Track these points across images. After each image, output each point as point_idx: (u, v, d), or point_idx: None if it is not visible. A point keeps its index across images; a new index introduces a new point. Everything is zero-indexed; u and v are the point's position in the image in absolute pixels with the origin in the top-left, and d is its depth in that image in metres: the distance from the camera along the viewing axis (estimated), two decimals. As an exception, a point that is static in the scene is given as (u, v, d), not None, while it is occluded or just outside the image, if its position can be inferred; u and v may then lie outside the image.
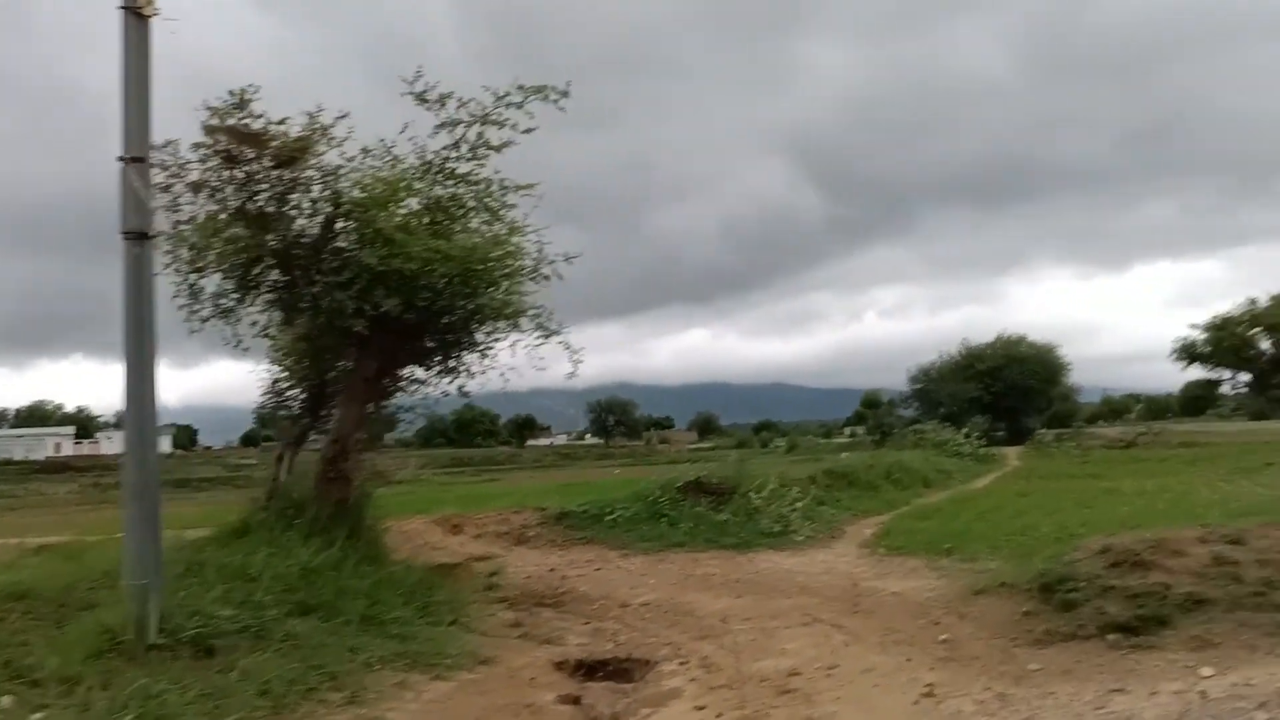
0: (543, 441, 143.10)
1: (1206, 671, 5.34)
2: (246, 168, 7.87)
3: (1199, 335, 63.05)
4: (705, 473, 14.77)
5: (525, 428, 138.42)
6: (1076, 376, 63.20)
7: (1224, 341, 61.13)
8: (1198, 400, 72.67)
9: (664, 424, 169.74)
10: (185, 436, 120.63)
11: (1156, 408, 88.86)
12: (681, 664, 7.30)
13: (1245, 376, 64.13)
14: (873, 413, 77.62)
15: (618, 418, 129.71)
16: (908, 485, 20.93)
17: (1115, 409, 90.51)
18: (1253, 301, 62.64)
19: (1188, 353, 63.54)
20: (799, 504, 13.98)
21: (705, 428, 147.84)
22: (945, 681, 5.86)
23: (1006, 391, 51.90)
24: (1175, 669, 5.50)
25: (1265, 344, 62.46)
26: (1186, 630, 5.86)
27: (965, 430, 32.62)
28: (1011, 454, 32.18)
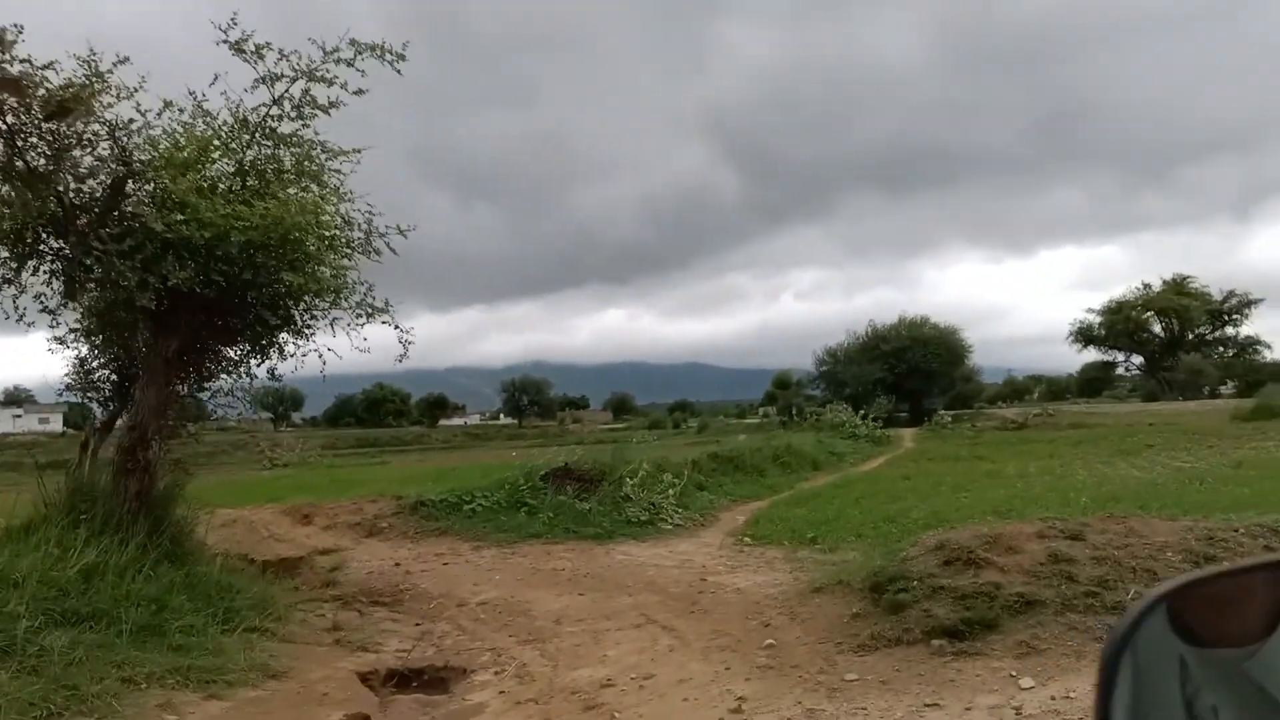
0: (455, 421, 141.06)
1: (1027, 683, 4.94)
2: (9, 119, 6.93)
3: (1095, 318, 65.23)
4: (576, 458, 14.15)
5: (437, 407, 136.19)
6: (983, 358, 64.57)
7: (1118, 325, 63.20)
8: (1094, 381, 74.67)
9: (579, 404, 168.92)
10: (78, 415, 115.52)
11: (1056, 389, 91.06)
12: (497, 673, 6.71)
13: (1138, 359, 66.53)
14: (783, 393, 78.15)
15: (531, 397, 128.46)
16: (795, 469, 20.68)
17: (1017, 390, 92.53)
18: (1146, 286, 64.91)
19: (1084, 335, 65.64)
20: (672, 490, 13.46)
21: (620, 408, 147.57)
22: (758, 694, 5.36)
23: (910, 373, 52.47)
24: (996, 679, 5.08)
25: (1157, 327, 64.81)
26: (1014, 635, 5.46)
27: (862, 412, 32.68)
28: (908, 435, 32.37)
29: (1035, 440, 27.63)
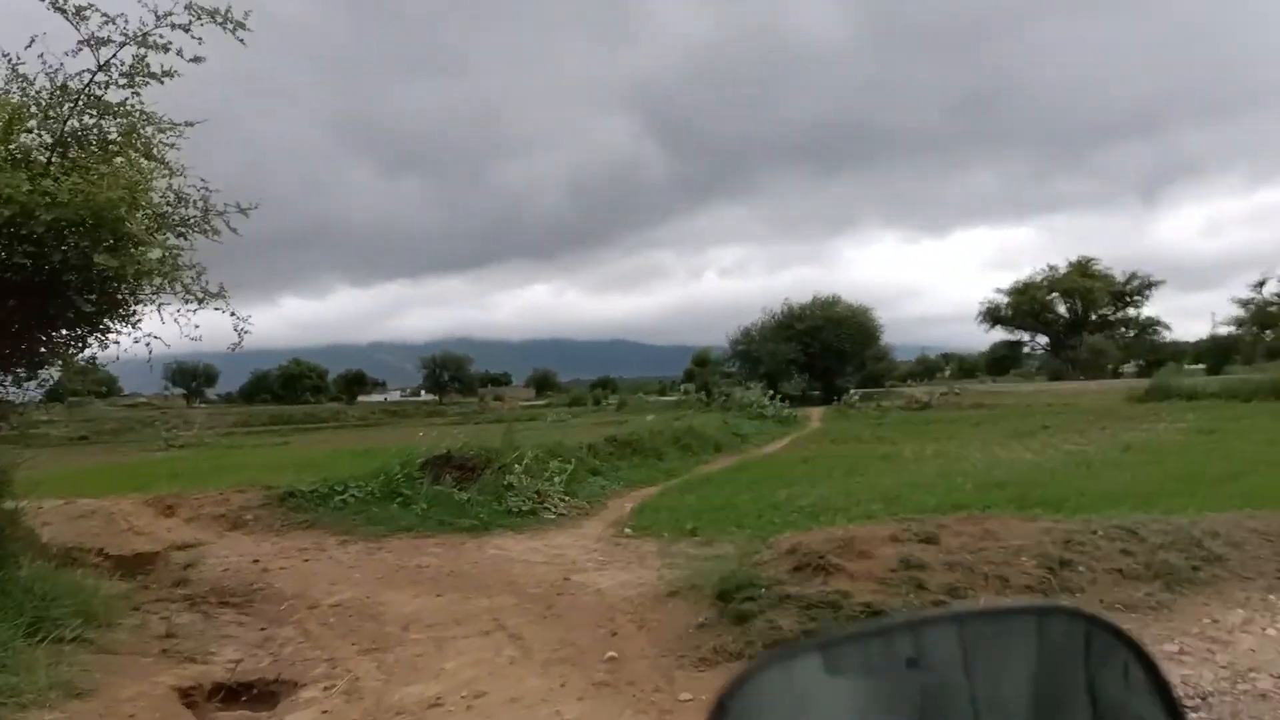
0: (375, 398, 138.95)
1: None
2: None
3: (1003, 299, 66.67)
4: (460, 444, 13.65)
5: (356, 384, 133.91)
6: (899, 336, 65.65)
7: (1024, 305, 64.70)
8: (1002, 360, 76.45)
9: (501, 380, 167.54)
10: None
11: (967, 367, 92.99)
12: (327, 688, 6.25)
13: (1044, 339, 68.25)
14: (701, 371, 78.39)
15: (452, 374, 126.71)
16: (696, 451, 20.46)
17: (929, 368, 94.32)
18: (1052, 268, 66.61)
19: (992, 315, 67.08)
20: (559, 478, 13.07)
21: (543, 384, 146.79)
22: (587, 715, 5.02)
23: (822, 352, 52.86)
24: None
25: (1062, 308, 66.50)
26: (856, 648, 5.19)
27: (770, 392, 32.71)
28: (816, 415, 32.50)
29: (938, 420, 27.94)
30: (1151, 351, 76.51)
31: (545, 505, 12.27)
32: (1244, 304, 62.40)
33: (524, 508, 11.87)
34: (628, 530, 10.83)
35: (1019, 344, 68.71)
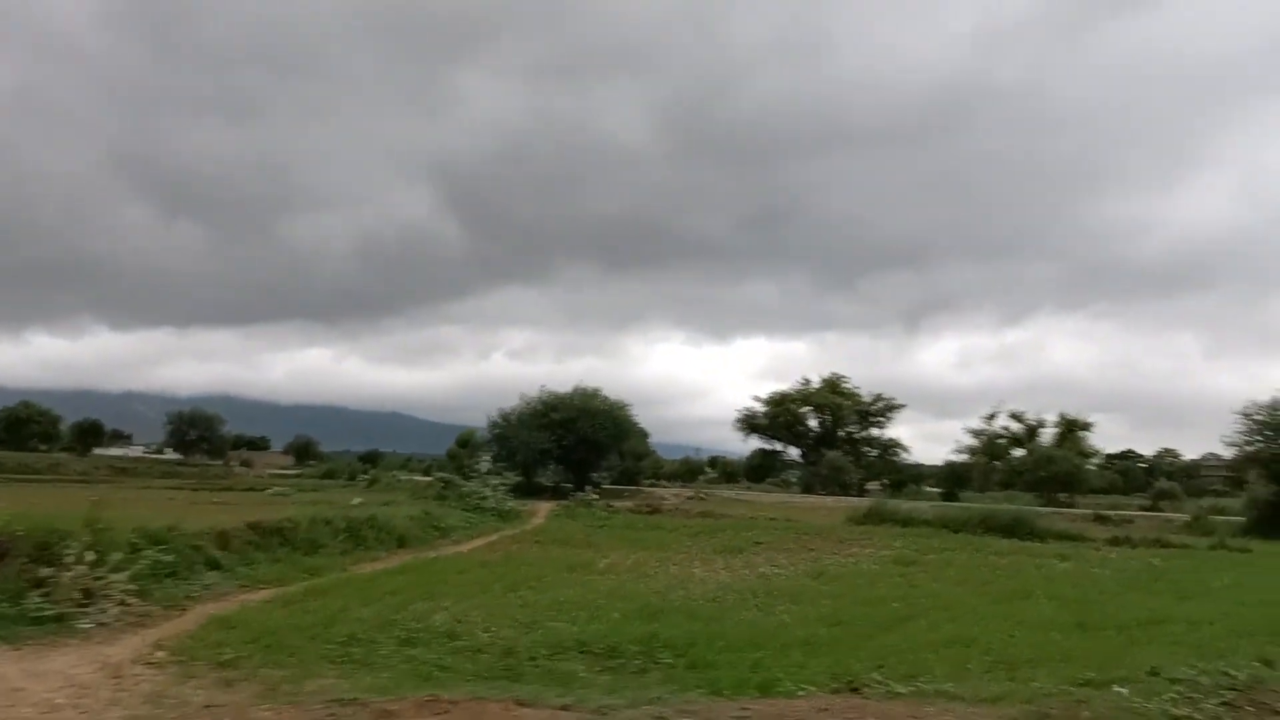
0: (114, 451, 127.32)
1: None
2: None
3: (760, 408, 68.24)
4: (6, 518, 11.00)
5: (91, 434, 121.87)
6: (681, 435, 65.83)
7: (779, 416, 66.41)
8: (761, 468, 77.88)
9: (259, 444, 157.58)
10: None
11: (730, 471, 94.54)
12: None
13: (796, 450, 70.18)
14: (462, 452, 75.64)
15: (201, 432, 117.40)
16: (371, 545, 18.31)
17: (692, 469, 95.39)
18: (806, 381, 68.82)
19: (748, 423, 68.41)
20: (122, 573, 10.67)
21: (303, 452, 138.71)
22: None
23: (578, 444, 51.72)
24: None
25: (814, 422, 68.74)
26: None
27: (496, 481, 30.94)
28: (543, 510, 30.86)
29: (661, 528, 26.97)
30: (895, 471, 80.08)
31: (91, 608, 9.86)
32: (976, 434, 66.37)
33: (48, 611, 9.43)
34: (161, 654, 8.64)
35: (776, 453, 70.32)
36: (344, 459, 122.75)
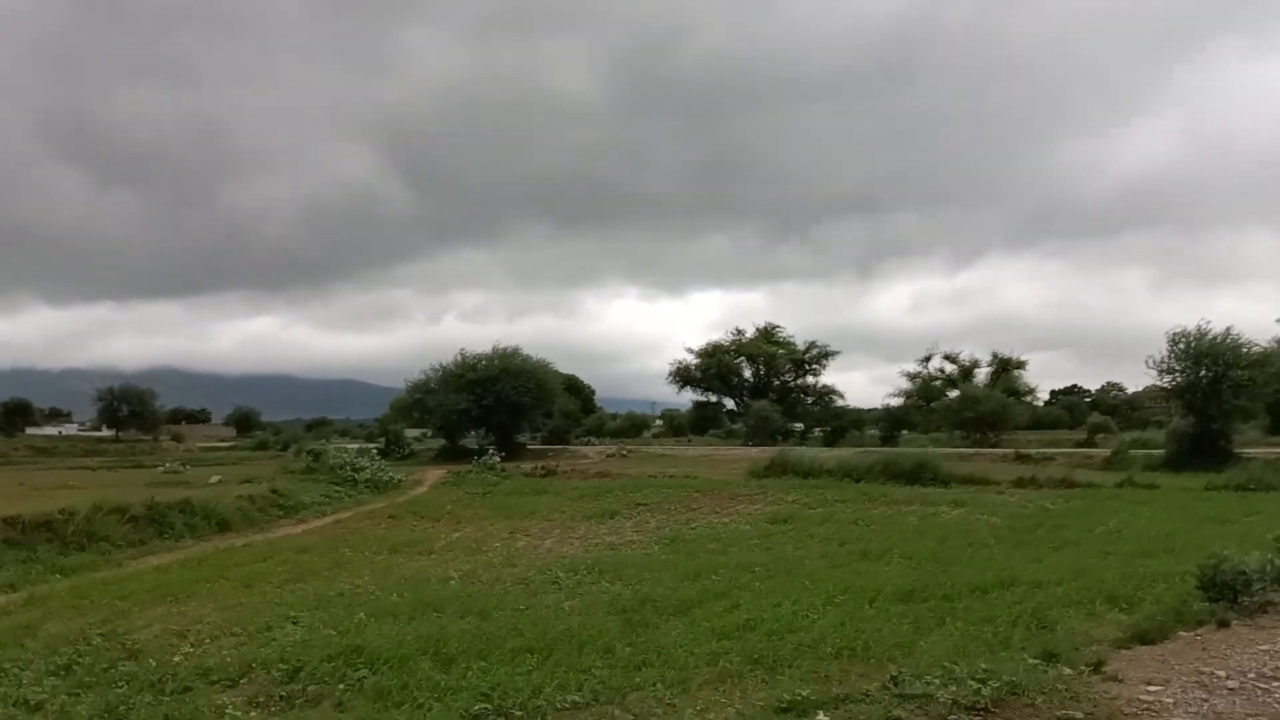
0: (49, 430, 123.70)
1: None
2: None
3: (693, 360, 66.55)
4: None
5: (18, 413, 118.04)
6: (639, 390, 64.23)
7: (711, 368, 64.80)
8: (702, 420, 76.44)
9: (198, 417, 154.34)
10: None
11: (678, 424, 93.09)
12: None
13: (730, 401, 68.81)
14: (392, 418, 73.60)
15: (133, 408, 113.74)
16: (180, 533, 16.50)
17: (635, 424, 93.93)
18: (739, 332, 67.23)
19: (682, 375, 66.69)
20: None
21: (244, 424, 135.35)
22: None
23: (497, 405, 49.85)
24: None
25: (748, 372, 67.31)
26: None
27: (374, 447, 29.13)
28: (431, 478, 29.09)
29: (547, 492, 25.30)
30: (836, 417, 79.06)
31: None
32: (912, 377, 65.40)
33: None
34: None
35: (718, 404, 68.87)
36: (292, 428, 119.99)
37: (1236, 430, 34.04)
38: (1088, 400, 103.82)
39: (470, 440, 54.10)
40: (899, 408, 65.66)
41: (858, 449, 38.39)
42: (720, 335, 66.39)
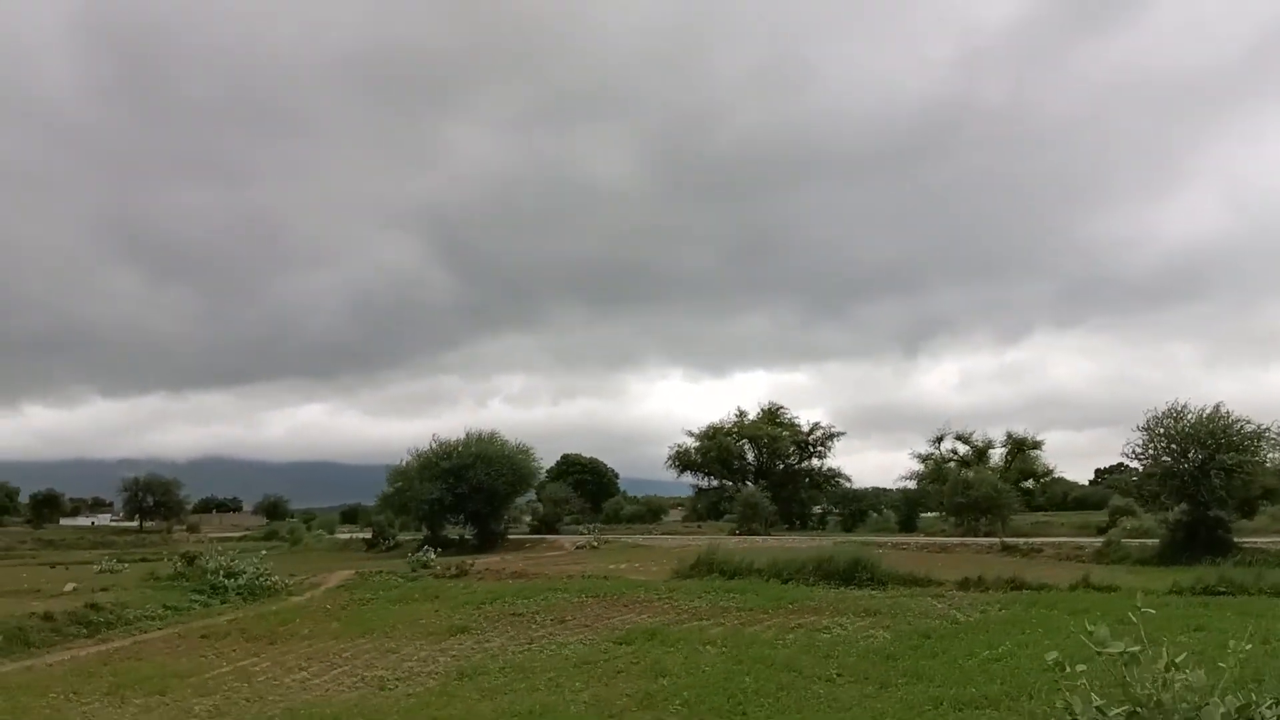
0: (81, 521, 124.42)
1: None
2: None
3: (693, 443, 64.03)
4: None
5: (48, 505, 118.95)
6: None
7: (711, 451, 62.16)
8: (716, 506, 73.51)
9: (229, 505, 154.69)
10: None
11: (701, 508, 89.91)
12: None
13: (732, 486, 65.86)
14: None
15: (157, 497, 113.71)
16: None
17: (654, 509, 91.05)
18: (742, 414, 64.65)
19: (681, 460, 64.15)
20: None
21: (273, 511, 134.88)
22: None
23: (473, 493, 47.82)
24: None
25: (751, 455, 64.60)
26: None
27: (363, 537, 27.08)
28: (337, 579, 26.88)
29: (438, 597, 22.93)
30: (853, 500, 75.69)
31: None
32: (924, 458, 62.23)
33: None
34: None
35: (719, 489, 66.04)
36: (326, 515, 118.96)
37: (1233, 518, 30.62)
38: (1133, 479, 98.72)
39: (452, 530, 52.11)
40: (915, 490, 62.40)
41: (851, 538, 35.63)
42: (721, 418, 63.72)
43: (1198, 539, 29.50)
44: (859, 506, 76.25)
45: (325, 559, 43.40)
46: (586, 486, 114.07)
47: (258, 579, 23.82)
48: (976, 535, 40.68)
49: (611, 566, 28.59)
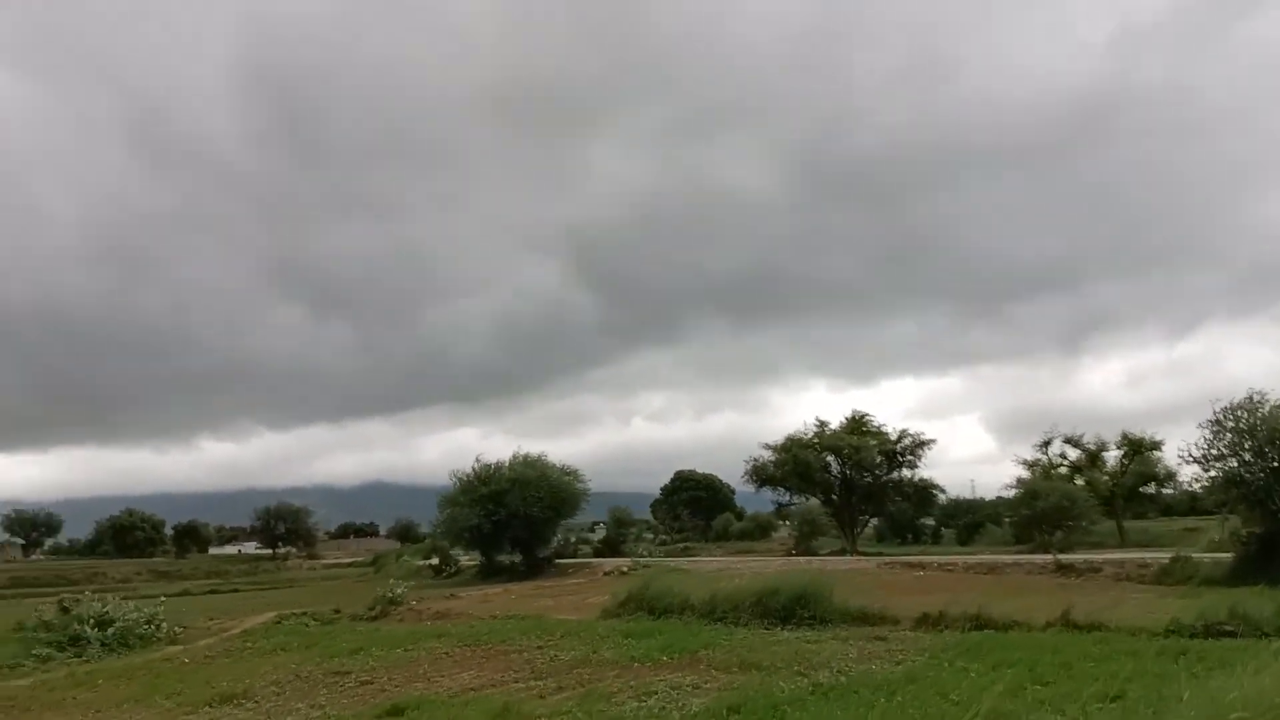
0: (228, 550, 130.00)
1: None
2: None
3: (769, 456, 59.65)
4: None
5: (188, 535, 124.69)
6: None
7: (788, 464, 57.65)
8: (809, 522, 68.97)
9: (366, 530, 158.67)
10: None
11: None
12: None
13: (815, 500, 61.13)
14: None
15: (289, 525, 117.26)
16: None
17: (762, 525, 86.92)
18: (822, 424, 59.90)
19: (759, 474, 59.81)
20: None
21: (404, 535, 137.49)
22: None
23: (511, 519, 45.62)
24: None
25: (835, 468, 59.74)
26: None
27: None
28: (259, 622, 24.87)
29: (315, 645, 20.48)
30: (965, 512, 70.05)
31: None
32: (1030, 465, 56.26)
33: None
34: None
35: (787, 504, 61.67)
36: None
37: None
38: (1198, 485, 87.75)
39: (504, 557, 50.17)
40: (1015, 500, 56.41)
41: (968, 551, 31.55)
42: (800, 428, 59.36)
43: (1276, 556, 24.11)
44: (972, 519, 70.26)
45: (366, 588, 41.72)
46: (701, 502, 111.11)
47: (134, 628, 21.93)
48: (1046, 550, 35.47)
49: (550, 603, 25.55)
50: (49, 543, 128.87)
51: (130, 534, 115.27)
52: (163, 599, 24.53)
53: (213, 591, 52.68)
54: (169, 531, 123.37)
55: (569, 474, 48.42)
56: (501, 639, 19.56)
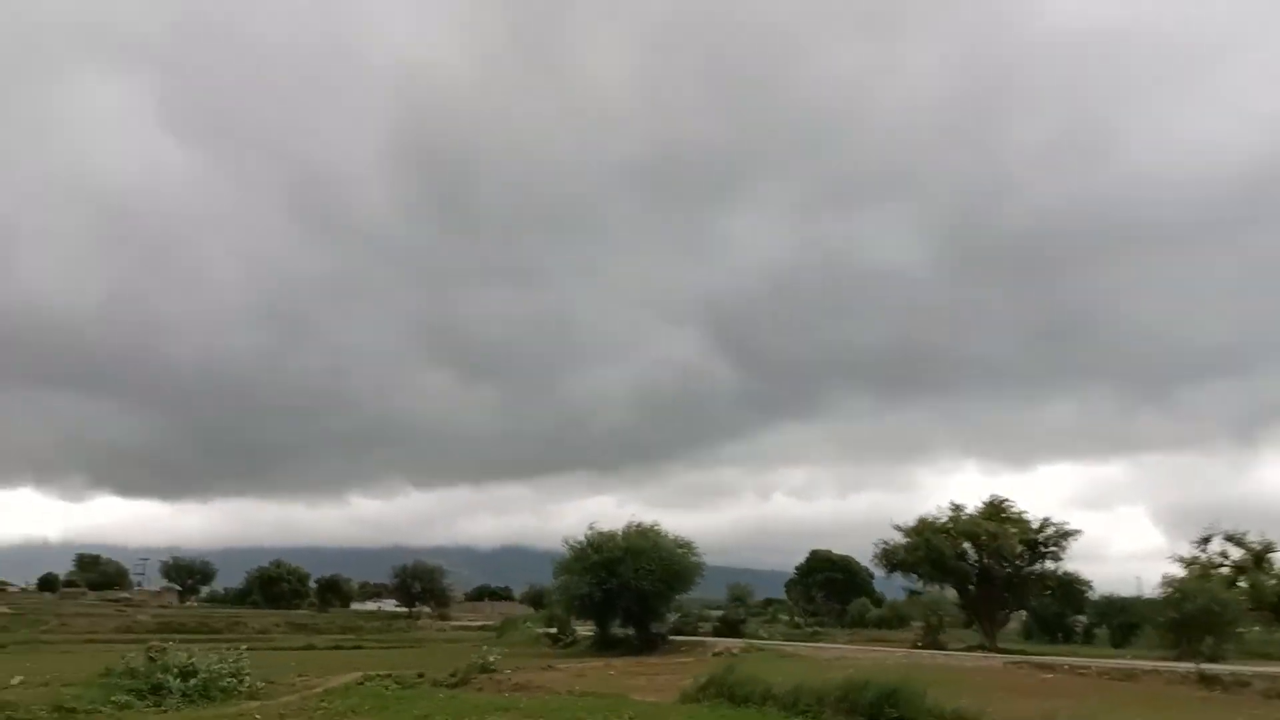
0: (369, 605, 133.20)
1: None
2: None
3: (900, 539, 56.42)
4: None
5: (329, 589, 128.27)
6: None
7: (919, 549, 54.33)
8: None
9: (500, 594, 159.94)
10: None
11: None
12: None
13: (951, 590, 57.30)
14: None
15: (425, 585, 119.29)
16: None
17: (900, 614, 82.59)
18: (958, 508, 56.35)
19: (889, 559, 56.58)
20: None
21: (536, 600, 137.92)
22: None
23: (620, 589, 44.57)
24: None
25: (972, 555, 55.93)
26: None
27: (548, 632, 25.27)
28: (343, 681, 24.61)
29: (392, 710, 20.05)
30: (1119, 611, 64.91)
31: None
32: (1188, 563, 51.56)
33: None
34: None
35: (918, 593, 58.11)
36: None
37: None
38: None
39: (617, 629, 49.09)
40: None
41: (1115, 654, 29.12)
42: (934, 511, 56.16)
43: None
44: (1126, 619, 64.77)
45: (477, 653, 41.21)
46: (836, 585, 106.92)
47: (218, 680, 22.03)
48: (1193, 658, 31.80)
49: (644, 681, 24.33)
50: (205, 590, 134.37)
51: (277, 585, 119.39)
52: (245, 649, 24.61)
53: (337, 647, 53.41)
54: (313, 585, 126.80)
55: (682, 546, 47.07)
56: (566, 717, 18.57)
